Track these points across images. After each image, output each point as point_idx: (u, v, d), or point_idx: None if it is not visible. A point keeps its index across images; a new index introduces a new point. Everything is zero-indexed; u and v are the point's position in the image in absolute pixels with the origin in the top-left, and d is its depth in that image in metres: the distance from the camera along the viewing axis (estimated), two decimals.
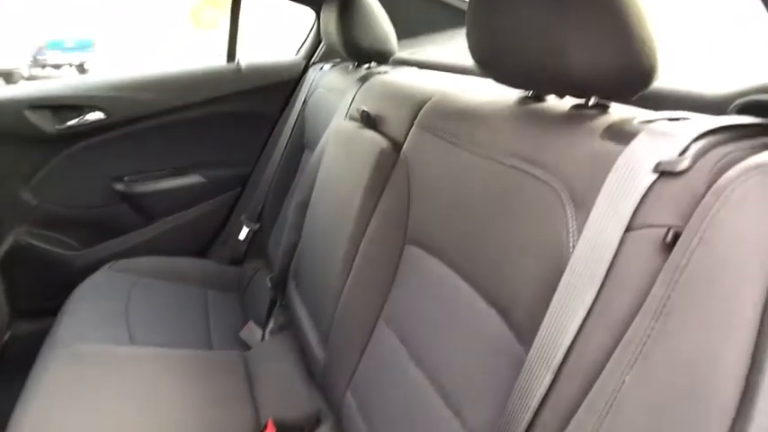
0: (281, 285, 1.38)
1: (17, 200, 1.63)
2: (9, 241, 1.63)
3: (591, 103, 0.66)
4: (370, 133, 1.06)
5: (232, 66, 1.80)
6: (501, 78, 0.74)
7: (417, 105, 0.96)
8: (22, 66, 10.93)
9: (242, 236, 1.74)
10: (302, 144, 1.63)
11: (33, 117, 1.58)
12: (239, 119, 1.83)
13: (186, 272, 1.63)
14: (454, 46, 1.58)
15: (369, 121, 1.09)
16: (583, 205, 0.56)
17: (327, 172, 1.23)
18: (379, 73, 1.32)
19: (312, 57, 1.88)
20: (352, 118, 1.22)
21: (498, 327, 0.66)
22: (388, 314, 0.91)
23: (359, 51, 1.39)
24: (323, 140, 1.33)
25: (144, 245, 1.79)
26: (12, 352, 1.45)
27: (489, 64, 0.73)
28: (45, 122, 1.60)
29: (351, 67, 1.50)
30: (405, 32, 1.59)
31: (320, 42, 1.85)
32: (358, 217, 0.98)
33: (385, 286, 0.91)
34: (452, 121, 0.85)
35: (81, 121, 1.63)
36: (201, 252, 1.90)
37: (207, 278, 1.64)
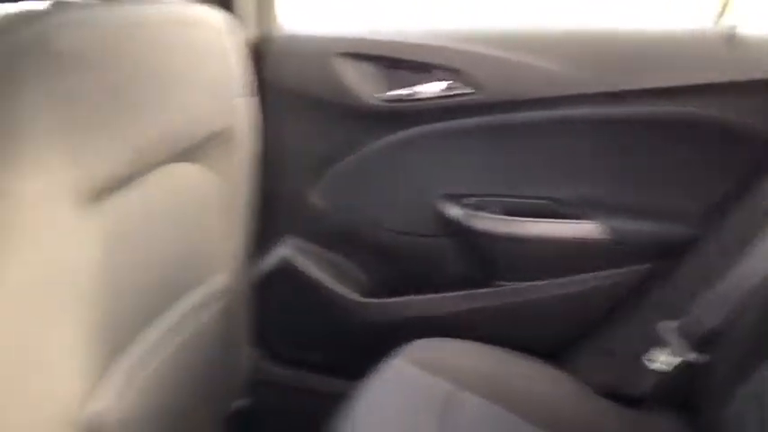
0: None
1: (300, 202, 1.11)
2: (278, 256, 1.13)
3: None
4: None
5: (716, 34, 0.94)
6: None
7: None
8: None
9: (656, 360, 0.87)
10: None
11: (348, 74, 1.01)
12: (696, 134, 0.96)
13: (533, 395, 0.86)
14: None
15: None
16: None
17: None
18: None
19: None
20: None
21: None
22: None
23: None
24: None
25: (469, 316, 1.07)
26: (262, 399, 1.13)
27: None
28: (362, 86, 1.01)
29: None
30: None
31: None
32: None
33: None
34: None
35: (420, 93, 0.99)
36: (556, 352, 1.08)
37: (571, 417, 0.84)
